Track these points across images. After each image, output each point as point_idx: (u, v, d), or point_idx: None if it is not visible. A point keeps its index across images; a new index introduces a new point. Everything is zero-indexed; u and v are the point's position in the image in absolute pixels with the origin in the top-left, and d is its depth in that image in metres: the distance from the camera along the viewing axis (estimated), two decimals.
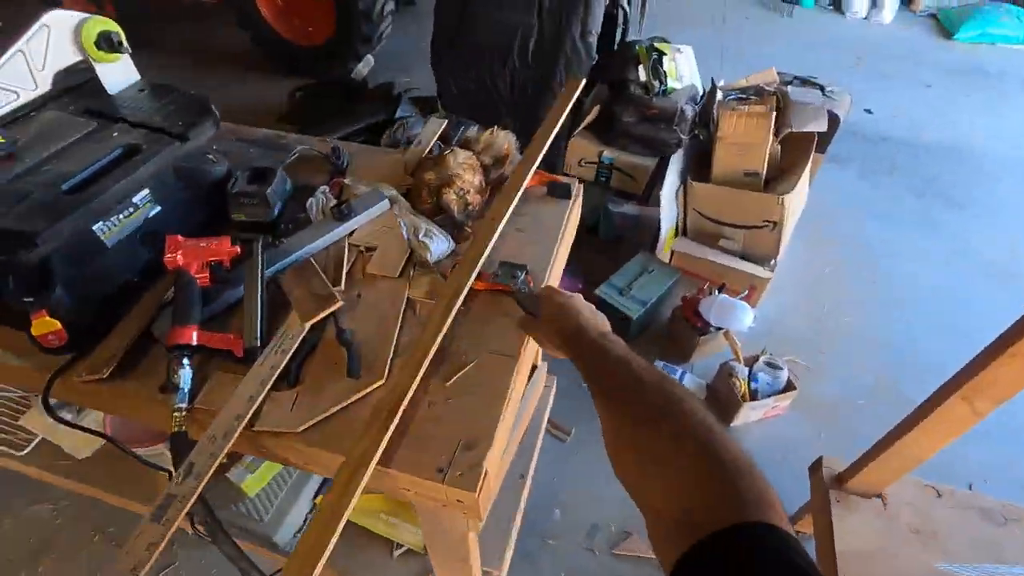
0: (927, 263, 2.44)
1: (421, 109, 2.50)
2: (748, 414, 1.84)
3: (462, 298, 0.79)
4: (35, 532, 1.65)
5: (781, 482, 1.72)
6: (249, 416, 0.68)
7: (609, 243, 2.34)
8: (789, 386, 1.84)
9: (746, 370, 1.84)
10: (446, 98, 2.36)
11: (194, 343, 0.72)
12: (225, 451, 0.65)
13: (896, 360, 2.06)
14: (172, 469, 0.89)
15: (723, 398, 1.89)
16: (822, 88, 2.22)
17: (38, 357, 0.76)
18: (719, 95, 2.15)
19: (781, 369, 1.84)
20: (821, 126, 2.08)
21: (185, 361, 0.71)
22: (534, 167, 0.98)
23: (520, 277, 0.81)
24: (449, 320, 0.76)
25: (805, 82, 2.24)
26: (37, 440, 1.36)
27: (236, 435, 0.66)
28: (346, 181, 0.99)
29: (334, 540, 0.59)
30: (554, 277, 0.93)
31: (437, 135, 1.12)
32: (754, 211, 2.05)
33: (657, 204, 2.17)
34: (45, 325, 0.72)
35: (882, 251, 2.49)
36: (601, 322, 0.68)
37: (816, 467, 1.47)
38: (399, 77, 3.19)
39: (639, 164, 2.17)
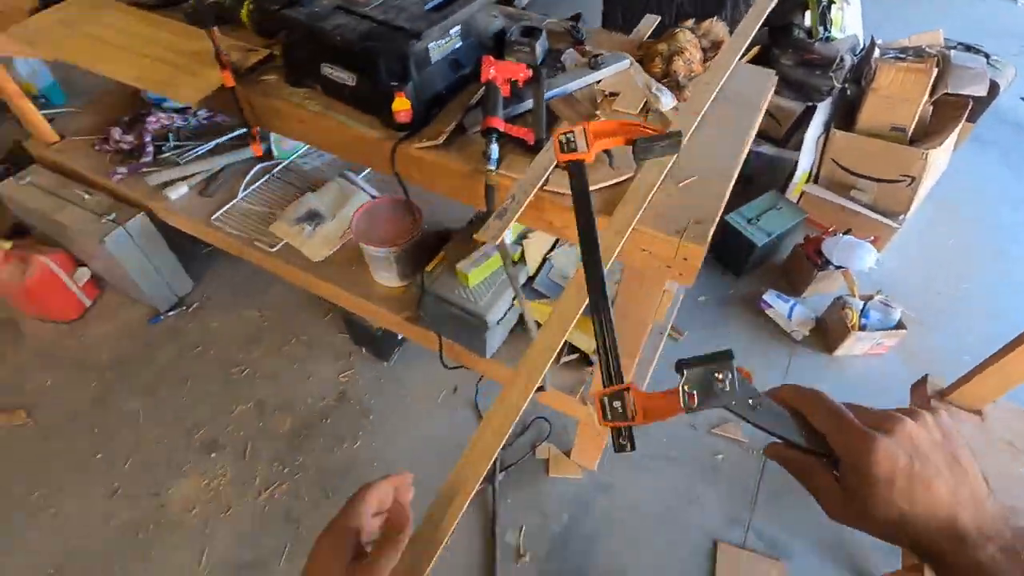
0: None
1: None
2: (854, 345, 2.00)
3: (689, 135, 1.04)
4: (247, 329, 2.10)
5: None
6: (540, 183, 0.96)
7: (741, 180, 2.49)
8: (900, 326, 1.97)
9: (861, 304, 1.98)
10: (610, 24, 2.55)
11: (501, 128, 1.01)
12: (525, 203, 0.94)
13: (1007, 331, 2.11)
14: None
15: (831, 327, 2.05)
16: (987, 56, 2.24)
17: (387, 132, 1.08)
18: (877, 52, 2.23)
19: (895, 309, 1.98)
20: (980, 90, 2.12)
21: (494, 140, 1.01)
22: (743, 48, 1.20)
23: (729, 379, 0.41)
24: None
25: (969, 48, 2.26)
26: (281, 243, 1.74)
27: (534, 191, 0.95)
28: (587, 48, 1.24)
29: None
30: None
31: (653, 27, 1.36)
32: (894, 165, 2.14)
33: (795, 148, 2.31)
34: (402, 104, 1.03)
35: (1011, 238, 2.49)
36: (991, 505, 0.38)
37: (920, 383, 1.63)
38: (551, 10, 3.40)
39: (786, 107, 2.30)
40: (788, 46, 2.17)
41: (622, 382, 0.45)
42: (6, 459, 1.74)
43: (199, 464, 1.75)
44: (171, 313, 2.11)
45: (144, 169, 1.93)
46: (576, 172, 0.55)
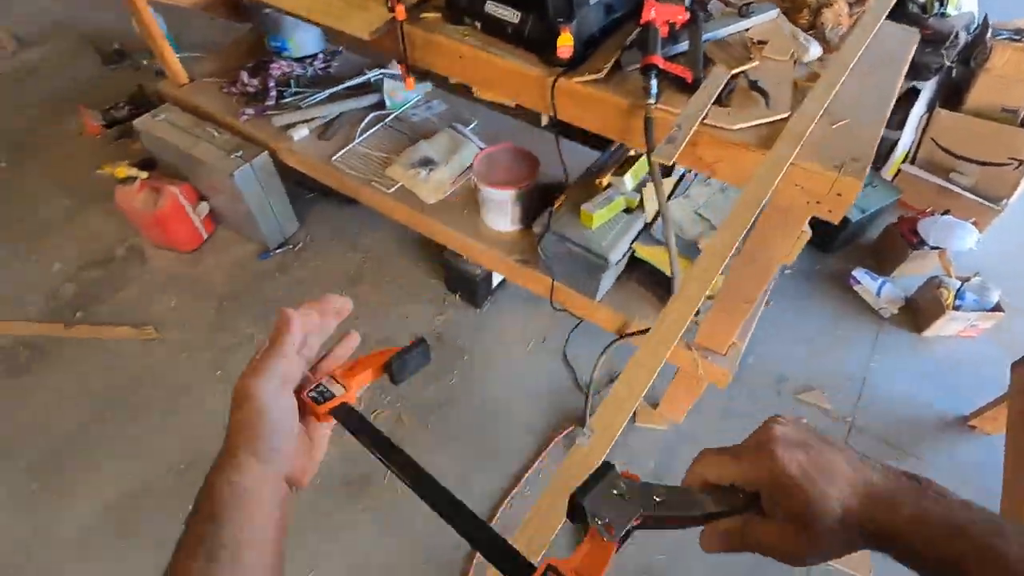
0: None
1: None
2: (947, 325, 1.99)
3: (840, 84, 1.07)
4: (348, 270, 2.22)
5: (960, 394, 1.88)
6: (700, 119, 1.02)
7: None
8: (996, 309, 1.95)
9: (957, 284, 1.97)
10: None
11: (660, 65, 1.07)
12: (691, 132, 0.99)
13: None
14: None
15: (924, 306, 2.04)
16: None
17: (545, 68, 1.15)
18: (990, 31, 2.17)
19: (992, 291, 1.96)
20: None
21: (653, 76, 1.06)
22: (892, 4, 1.23)
23: (624, 488, 0.39)
24: (832, 93, 1.05)
25: None
26: (398, 185, 1.85)
27: (698, 122, 1.00)
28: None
29: (752, 218, 0.91)
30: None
31: None
32: (1003, 147, 2.10)
33: (892, 127, 2.28)
34: (566, 39, 1.10)
35: None
36: (886, 475, 0.37)
37: (1021, 362, 1.62)
38: None
39: None
40: (901, 20, 2.13)
41: (533, 569, 0.37)
42: (140, 368, 1.92)
43: None
44: (279, 251, 2.26)
45: (268, 111, 2.06)
46: (346, 416, 0.50)
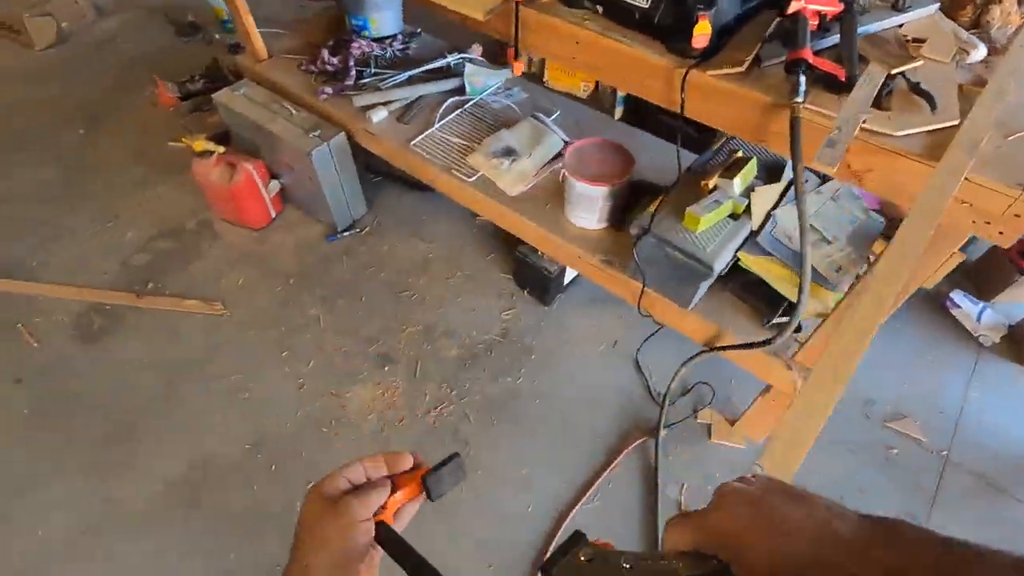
0: None
1: None
2: None
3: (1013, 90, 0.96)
4: (415, 257, 2.18)
5: None
6: (860, 122, 0.92)
7: None
8: None
9: None
10: None
11: (810, 60, 0.97)
12: (853, 135, 0.90)
13: None
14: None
15: None
16: None
17: (674, 59, 1.06)
18: None
19: None
20: None
21: (801, 73, 0.97)
22: None
23: (593, 557, 0.39)
24: (1005, 99, 0.94)
25: None
26: (479, 175, 1.78)
27: (859, 125, 0.90)
28: None
29: (930, 232, 0.80)
30: None
31: None
32: None
33: None
34: (703, 28, 1.01)
35: None
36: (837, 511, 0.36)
37: None
38: None
39: None
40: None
41: None
42: (207, 343, 1.92)
43: (374, 374, 1.86)
44: (346, 234, 2.23)
45: (347, 91, 2.02)
46: (384, 533, 0.55)
